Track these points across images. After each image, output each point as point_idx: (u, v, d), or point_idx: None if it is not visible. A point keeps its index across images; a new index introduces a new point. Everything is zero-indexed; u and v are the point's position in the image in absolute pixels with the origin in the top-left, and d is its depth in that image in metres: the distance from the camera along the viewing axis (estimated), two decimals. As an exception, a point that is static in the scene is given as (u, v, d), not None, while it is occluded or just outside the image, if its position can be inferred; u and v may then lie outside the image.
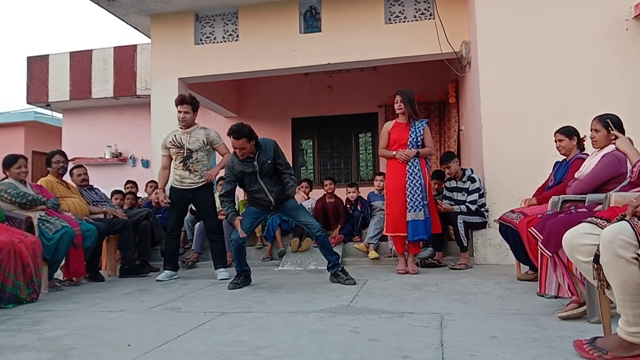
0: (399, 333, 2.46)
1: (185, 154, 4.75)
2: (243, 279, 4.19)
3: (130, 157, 9.75)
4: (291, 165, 4.44)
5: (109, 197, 5.88)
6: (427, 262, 5.07)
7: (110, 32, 40.83)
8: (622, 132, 3.25)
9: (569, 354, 2.04)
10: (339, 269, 4.22)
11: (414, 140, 4.65)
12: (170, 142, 4.84)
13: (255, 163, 4.15)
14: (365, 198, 6.24)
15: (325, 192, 6.26)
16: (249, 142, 4.09)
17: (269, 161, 4.16)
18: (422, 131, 4.69)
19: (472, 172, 5.22)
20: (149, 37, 7.25)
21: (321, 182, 9.03)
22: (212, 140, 4.82)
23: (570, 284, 2.69)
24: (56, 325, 2.88)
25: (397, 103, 4.75)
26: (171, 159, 4.89)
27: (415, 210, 4.59)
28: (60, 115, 10.47)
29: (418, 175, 4.62)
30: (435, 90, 8.38)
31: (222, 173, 5.20)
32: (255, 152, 4.16)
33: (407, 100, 4.69)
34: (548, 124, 4.40)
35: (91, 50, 9.48)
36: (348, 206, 6.24)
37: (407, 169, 4.62)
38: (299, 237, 5.84)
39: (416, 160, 4.64)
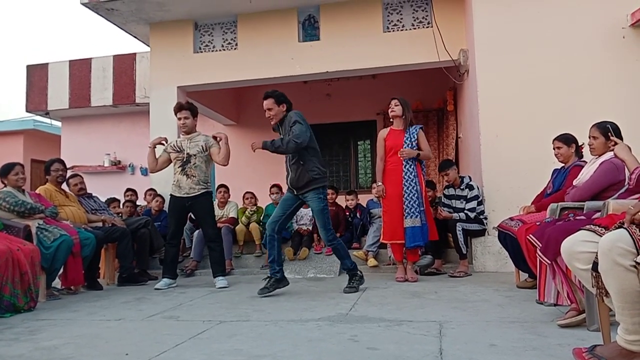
0: (398, 341, 2.45)
1: (184, 159, 4.77)
2: (274, 281, 4.06)
3: (129, 165, 9.76)
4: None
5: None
6: (427, 271, 5.06)
7: (110, 41, 40.95)
8: (621, 139, 3.26)
9: (568, 362, 2.04)
10: (352, 274, 4.20)
11: (409, 146, 4.66)
12: (171, 146, 4.89)
13: (281, 135, 4.18)
14: (364, 205, 6.24)
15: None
16: (277, 105, 4.13)
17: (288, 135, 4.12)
18: (416, 136, 4.70)
19: (471, 180, 5.22)
20: (148, 46, 7.27)
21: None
22: (210, 145, 4.83)
23: (569, 292, 2.69)
24: (54, 335, 2.87)
25: (391, 107, 4.77)
26: (167, 160, 4.91)
27: (412, 217, 4.59)
28: (59, 124, 10.48)
29: (414, 181, 4.62)
30: (434, 97, 8.41)
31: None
32: (280, 122, 4.18)
33: (403, 103, 4.73)
34: (546, 132, 4.42)
35: (90, 59, 9.51)
36: (347, 213, 6.24)
37: (403, 175, 4.63)
38: (295, 248, 5.83)
39: (413, 167, 4.65)
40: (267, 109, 4.16)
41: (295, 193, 4.20)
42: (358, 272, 4.24)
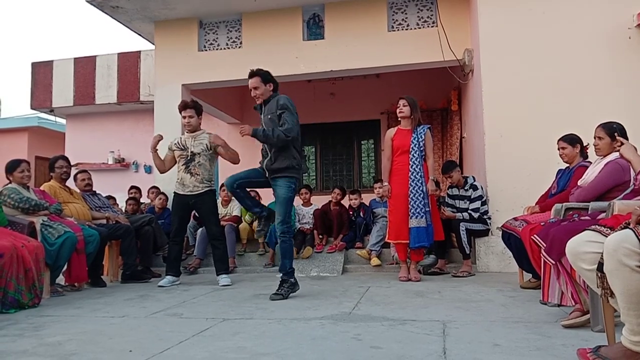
0: (402, 341, 2.45)
1: (188, 157, 4.77)
2: (265, 220, 4.08)
3: (133, 163, 9.78)
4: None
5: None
6: (430, 271, 5.06)
7: (115, 39, 41.04)
8: (626, 139, 3.24)
9: (572, 362, 2.03)
10: (285, 278, 3.94)
11: (416, 146, 4.65)
12: (175, 144, 4.89)
13: (262, 116, 4.06)
14: (368, 205, 6.23)
15: (331, 199, 6.26)
16: (264, 84, 4.00)
17: (269, 117, 3.95)
18: (423, 136, 4.69)
19: (474, 180, 5.22)
20: (153, 44, 7.28)
21: (323, 189, 9.06)
22: (216, 145, 4.83)
23: (573, 292, 2.68)
24: (58, 331, 2.88)
25: (399, 108, 4.75)
26: (173, 159, 4.92)
27: (417, 217, 4.58)
28: (63, 121, 10.51)
29: (420, 181, 4.61)
30: (438, 97, 8.40)
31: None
32: (264, 103, 4.04)
33: (412, 104, 4.71)
34: (551, 132, 4.40)
35: (95, 57, 9.53)
36: (351, 213, 6.24)
37: (409, 175, 4.62)
38: (298, 246, 5.83)
39: (419, 167, 4.64)
40: (253, 88, 4.00)
41: (267, 176, 4.02)
42: (292, 278, 3.94)
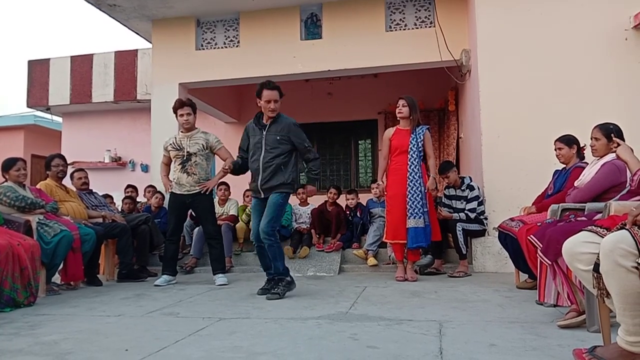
0: (398, 340, 2.45)
1: (184, 157, 4.76)
2: (276, 284, 3.95)
3: (130, 162, 9.76)
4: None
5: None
6: (426, 271, 5.06)
7: (112, 37, 40.95)
8: (623, 140, 3.25)
9: (568, 362, 2.03)
10: (280, 278, 3.97)
11: (415, 146, 4.66)
12: (170, 144, 4.86)
13: (264, 132, 4.01)
14: (364, 205, 6.23)
15: (327, 199, 6.26)
16: (279, 100, 4.02)
17: (278, 138, 3.97)
18: (422, 137, 4.70)
19: (471, 181, 5.22)
20: (150, 42, 7.27)
21: (320, 188, 9.05)
22: (211, 145, 4.83)
23: (569, 293, 2.69)
24: (54, 330, 2.87)
25: (399, 108, 4.75)
26: (169, 160, 4.93)
27: (415, 217, 4.58)
28: (60, 119, 10.48)
29: (419, 182, 4.62)
30: (435, 97, 8.40)
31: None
32: (271, 121, 4.02)
33: (411, 104, 4.72)
34: (548, 133, 4.42)
35: (92, 55, 9.51)
36: (348, 212, 6.24)
37: (407, 175, 4.63)
38: (295, 246, 5.83)
39: (417, 167, 4.65)
40: (273, 100, 3.96)
41: (263, 196, 4.01)
42: (288, 277, 3.97)
